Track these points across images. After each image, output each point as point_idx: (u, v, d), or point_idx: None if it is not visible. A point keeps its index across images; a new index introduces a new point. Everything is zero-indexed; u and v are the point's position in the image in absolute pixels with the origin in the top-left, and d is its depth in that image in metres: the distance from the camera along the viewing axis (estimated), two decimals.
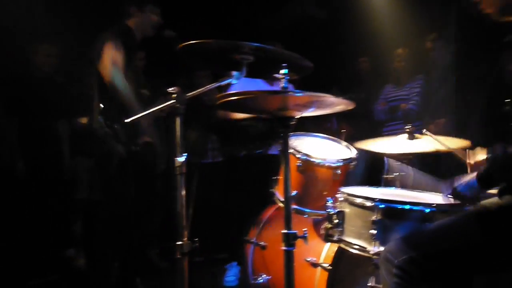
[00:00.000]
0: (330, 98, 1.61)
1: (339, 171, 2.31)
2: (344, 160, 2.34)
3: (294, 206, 2.37)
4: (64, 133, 3.95)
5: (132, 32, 3.06)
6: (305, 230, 1.76)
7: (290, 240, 1.72)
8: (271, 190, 2.57)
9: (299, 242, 2.45)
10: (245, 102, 1.68)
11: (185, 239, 2.14)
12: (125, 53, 2.91)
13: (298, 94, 1.57)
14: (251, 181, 4.07)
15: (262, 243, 2.71)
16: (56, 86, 3.83)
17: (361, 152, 3.08)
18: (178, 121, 2.16)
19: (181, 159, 2.14)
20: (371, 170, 4.05)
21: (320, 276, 2.32)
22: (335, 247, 2.34)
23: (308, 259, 2.38)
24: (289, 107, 1.67)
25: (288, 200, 1.77)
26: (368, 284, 2.02)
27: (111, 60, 2.84)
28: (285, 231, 1.74)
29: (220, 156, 4.40)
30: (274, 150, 3.71)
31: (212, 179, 4.36)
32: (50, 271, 3.61)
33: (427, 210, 1.79)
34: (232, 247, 3.75)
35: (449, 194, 1.74)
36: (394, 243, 1.69)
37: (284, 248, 1.73)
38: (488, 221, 1.59)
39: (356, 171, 2.98)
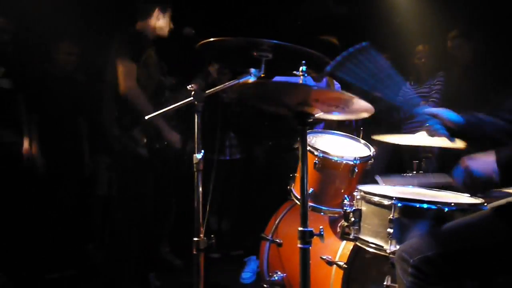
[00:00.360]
0: (356, 100, 1.57)
1: (356, 169, 2.29)
2: (361, 158, 2.32)
3: (311, 204, 2.36)
4: (84, 131, 4.00)
5: (141, 35, 3.09)
6: (321, 228, 1.75)
7: (306, 237, 1.71)
8: (288, 187, 2.57)
9: (315, 240, 2.45)
10: (265, 92, 1.67)
11: (202, 235, 2.16)
12: (136, 57, 2.95)
13: (324, 89, 1.55)
14: (268, 178, 4.09)
15: (278, 240, 2.71)
16: (76, 84, 3.88)
17: (381, 146, 3.06)
18: (196, 118, 2.19)
19: (199, 156, 2.16)
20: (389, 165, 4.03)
21: (335, 274, 2.31)
22: (350, 245, 2.34)
23: (324, 257, 2.37)
24: (310, 102, 1.64)
25: (305, 197, 1.76)
26: (384, 284, 2.01)
27: (125, 75, 2.90)
28: (301, 228, 1.73)
29: (238, 154, 4.41)
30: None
31: (229, 176, 4.39)
32: (68, 266, 3.66)
33: (446, 209, 1.76)
34: (249, 243, 3.76)
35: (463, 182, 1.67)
36: (410, 242, 1.68)
37: (300, 245, 1.73)
38: None
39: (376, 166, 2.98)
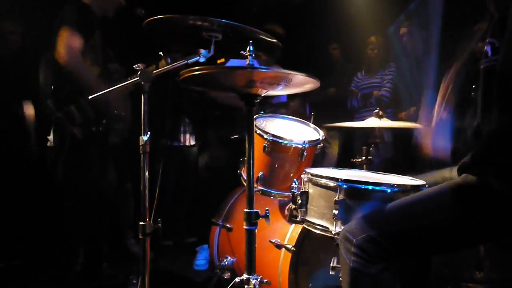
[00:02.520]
0: (297, 76, 1.58)
1: (305, 153, 2.30)
2: (310, 141, 2.33)
3: (260, 188, 2.36)
4: (30, 115, 3.83)
5: (90, 9, 2.97)
6: (267, 210, 1.75)
7: (252, 219, 1.71)
8: (238, 171, 2.55)
9: (264, 223, 2.46)
10: (211, 77, 1.65)
11: (148, 219, 2.12)
12: (83, 32, 2.83)
13: (264, 70, 1.54)
14: (222, 165, 4.06)
15: (228, 225, 2.70)
16: (22, 65, 3.70)
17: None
18: (143, 98, 2.13)
19: (145, 137, 2.11)
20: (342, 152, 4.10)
21: (284, 258, 2.33)
22: (299, 228, 2.35)
23: (273, 241, 2.38)
24: (256, 84, 1.64)
25: (251, 178, 1.76)
26: (331, 265, 2.04)
27: (65, 44, 2.75)
28: (247, 210, 1.72)
29: (193, 140, 4.35)
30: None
31: (184, 162, 4.33)
32: (15, 256, 3.52)
33: (389, 191, 1.79)
34: (202, 231, 3.73)
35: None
36: (354, 222, 1.69)
37: (245, 227, 1.72)
38: (459, 196, 1.58)
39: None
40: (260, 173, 2.34)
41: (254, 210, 1.71)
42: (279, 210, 2.52)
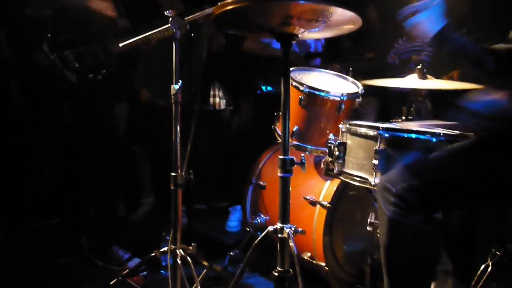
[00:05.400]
0: (336, 11, 1.46)
1: (343, 106, 2.19)
2: (349, 94, 2.22)
3: (295, 142, 2.27)
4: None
5: None
6: (302, 156, 1.66)
7: (287, 166, 1.63)
8: (273, 126, 2.47)
9: (299, 180, 2.38)
10: (243, 14, 1.55)
11: (179, 171, 2.07)
12: None
13: (303, 2, 1.42)
14: (255, 128, 3.99)
15: (261, 183, 2.64)
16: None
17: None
18: (174, 46, 2.06)
19: (177, 86, 2.05)
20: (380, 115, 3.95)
21: (318, 214, 2.25)
22: (335, 185, 2.26)
23: (307, 197, 2.30)
24: (293, 21, 1.52)
25: (286, 129, 1.66)
26: (368, 220, 1.95)
27: None
28: (282, 156, 1.64)
29: (223, 104, 4.28)
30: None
31: (215, 128, 4.28)
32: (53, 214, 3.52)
33: (434, 140, 1.68)
34: (234, 194, 3.69)
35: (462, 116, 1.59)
36: (394, 171, 1.59)
37: (280, 174, 1.64)
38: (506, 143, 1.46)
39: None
40: (295, 127, 2.25)
41: (289, 157, 1.63)
42: (314, 167, 2.43)
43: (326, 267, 2.22)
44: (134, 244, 2.88)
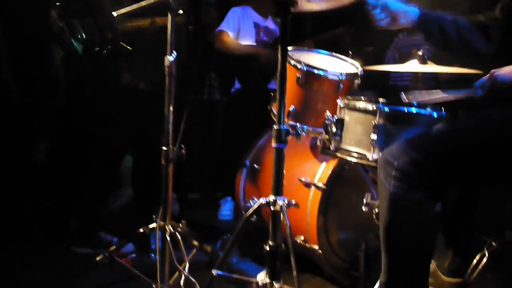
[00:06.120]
0: None
1: (342, 85, 2.14)
2: (348, 74, 2.16)
3: (291, 122, 2.21)
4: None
5: None
6: (298, 127, 1.60)
7: (282, 135, 1.57)
8: (269, 107, 2.41)
9: (294, 162, 2.32)
10: None
11: (171, 146, 2.01)
12: None
13: None
14: (249, 118, 3.93)
15: (255, 165, 2.58)
16: None
17: None
18: (170, 17, 2.00)
19: (171, 58, 1.99)
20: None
21: (313, 196, 2.19)
22: (331, 167, 2.21)
23: (302, 179, 2.24)
24: None
25: (282, 95, 1.61)
26: (364, 201, 1.89)
27: None
28: (277, 127, 1.58)
29: (218, 94, 4.24)
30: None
31: (210, 118, 4.23)
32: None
33: (435, 115, 1.62)
34: (227, 184, 3.63)
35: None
36: (396, 145, 1.53)
37: (274, 145, 1.58)
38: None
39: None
40: (292, 107, 2.18)
41: (284, 127, 1.57)
42: (310, 149, 2.37)
43: (319, 250, 2.16)
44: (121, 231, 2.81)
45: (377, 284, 1.53)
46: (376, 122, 1.67)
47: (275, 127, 1.58)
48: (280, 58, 1.60)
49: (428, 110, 1.63)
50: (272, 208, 1.57)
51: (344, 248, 2.26)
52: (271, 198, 1.58)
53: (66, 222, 2.79)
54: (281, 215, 1.56)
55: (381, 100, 1.68)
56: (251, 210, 1.63)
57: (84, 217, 2.80)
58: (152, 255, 2.50)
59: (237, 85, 3.81)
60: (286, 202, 1.56)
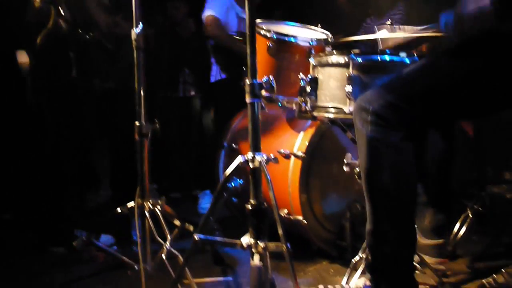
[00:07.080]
0: None
1: (313, 52, 2.11)
2: (318, 40, 2.14)
3: (266, 94, 2.17)
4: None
5: None
6: (272, 79, 1.57)
7: (255, 90, 1.53)
8: (241, 83, 2.37)
9: (272, 136, 2.29)
10: None
11: (143, 120, 1.95)
12: None
13: None
14: (225, 111, 3.88)
15: (233, 145, 2.53)
16: None
17: None
18: None
19: (137, 30, 1.94)
20: None
21: (293, 167, 2.15)
22: (309, 135, 2.18)
23: (281, 151, 2.20)
24: None
25: (253, 52, 1.57)
26: (344, 161, 1.86)
27: None
28: (250, 82, 1.54)
29: (193, 91, 4.18)
30: None
31: (186, 114, 4.16)
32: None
33: (408, 61, 1.61)
34: (207, 180, 3.57)
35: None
36: (369, 91, 1.50)
37: (248, 100, 1.54)
38: (481, 46, 1.39)
39: None
40: (265, 78, 2.15)
41: (257, 81, 1.53)
42: (287, 122, 2.34)
43: (304, 221, 2.12)
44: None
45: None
46: (350, 74, 1.65)
47: (247, 81, 1.54)
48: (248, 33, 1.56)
49: (401, 56, 1.61)
50: (251, 165, 1.52)
51: (329, 218, 2.22)
52: (250, 155, 1.53)
53: (43, 222, 2.69)
54: (261, 171, 1.51)
55: (353, 51, 1.65)
56: (230, 169, 1.58)
57: (59, 216, 2.70)
58: (134, 247, 2.42)
59: (223, 75, 3.75)
60: (265, 157, 1.52)
